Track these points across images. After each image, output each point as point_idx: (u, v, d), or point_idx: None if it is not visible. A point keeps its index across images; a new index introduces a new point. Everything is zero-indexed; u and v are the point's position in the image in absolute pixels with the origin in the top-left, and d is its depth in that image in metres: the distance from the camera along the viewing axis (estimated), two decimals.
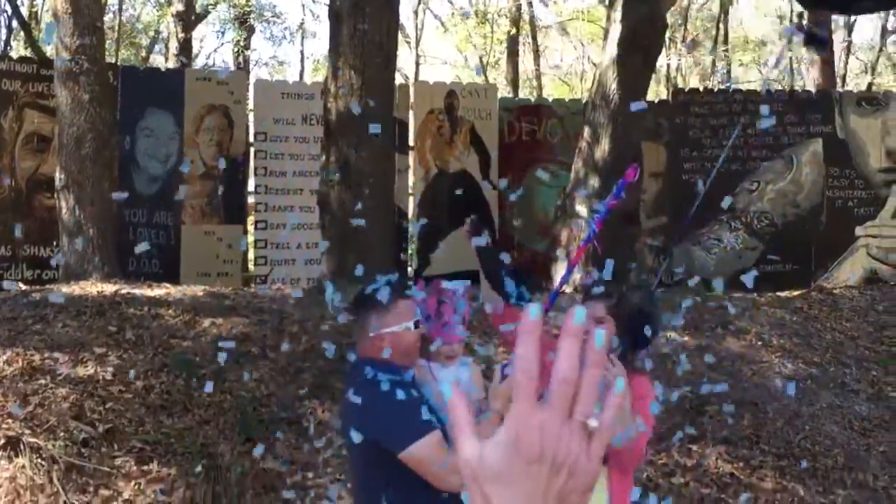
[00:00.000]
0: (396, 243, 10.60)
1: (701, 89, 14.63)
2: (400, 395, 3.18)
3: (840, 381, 8.15)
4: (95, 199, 9.49)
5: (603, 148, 10.16)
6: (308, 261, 11.56)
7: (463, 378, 3.66)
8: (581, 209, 10.20)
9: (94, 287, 8.34)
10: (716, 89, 14.48)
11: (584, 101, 12.70)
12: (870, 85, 27.87)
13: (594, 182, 10.17)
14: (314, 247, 11.11)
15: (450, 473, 3.17)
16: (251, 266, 13.12)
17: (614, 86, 10.12)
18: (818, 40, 3.92)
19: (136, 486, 5.48)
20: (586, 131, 10.45)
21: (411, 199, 12.60)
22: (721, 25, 29.32)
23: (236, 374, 6.72)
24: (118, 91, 11.32)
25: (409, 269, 12.85)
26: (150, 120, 11.54)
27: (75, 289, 8.23)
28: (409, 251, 13.04)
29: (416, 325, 3.41)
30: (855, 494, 6.54)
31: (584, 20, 30.62)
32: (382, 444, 3.18)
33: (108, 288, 8.27)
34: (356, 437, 3.17)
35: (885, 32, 28.35)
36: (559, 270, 10.30)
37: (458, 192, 11.76)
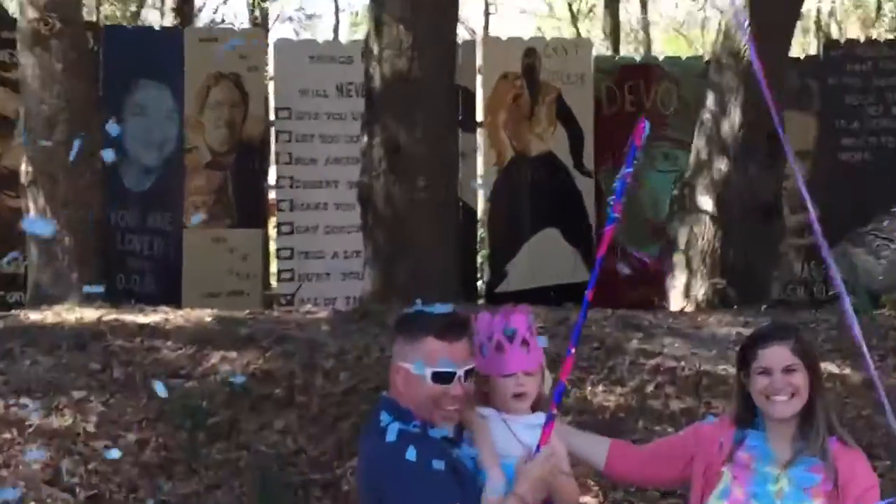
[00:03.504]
0: (462, 250, 10.58)
1: (862, 40, 14.44)
2: (410, 454, 3.23)
3: None
4: (72, 199, 9.57)
5: (732, 120, 10.04)
6: (346, 274, 11.58)
7: (536, 440, 3.45)
8: (705, 202, 10.10)
9: (71, 313, 8.42)
10: (882, 39, 14.28)
11: (706, 60, 12.59)
12: None
13: (721, 165, 10.07)
14: (354, 256, 11.13)
15: None
16: (274, 282, 13.20)
17: (747, 37, 10.00)
18: None
19: None
20: (710, 99, 10.35)
21: (480, 191, 12.58)
22: None
23: (256, 424, 6.75)
24: (100, 58, 11.44)
25: (480, 282, 12.83)
26: (140, 95, 11.66)
27: (48, 315, 8.32)
28: (479, 260, 13.02)
29: (439, 377, 3.36)
30: None
31: None
32: None
33: (91, 313, 8.34)
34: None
35: None
36: (677, 283, 10.21)
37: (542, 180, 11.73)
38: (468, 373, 3.40)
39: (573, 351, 3.64)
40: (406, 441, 3.26)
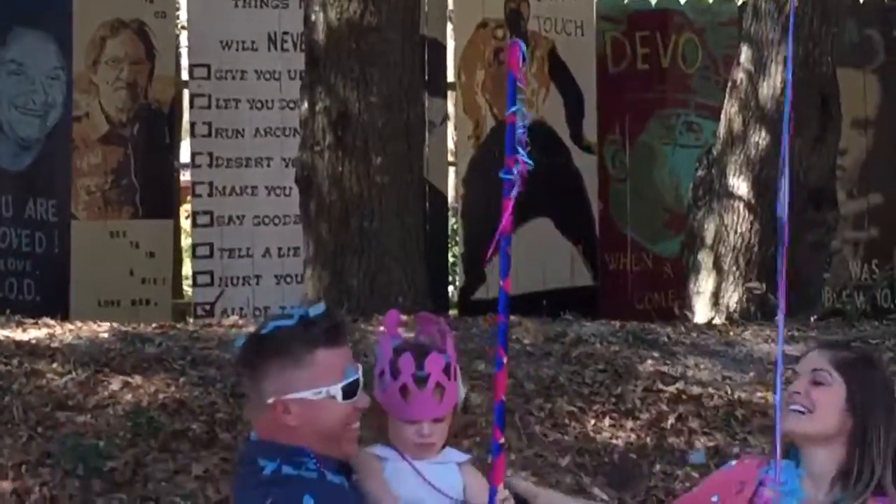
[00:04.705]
0: (429, 246, 10.59)
1: None
2: None
3: None
4: None
5: (773, 81, 10.09)
6: (281, 277, 11.57)
7: (452, 484, 3.49)
8: (738, 185, 10.15)
9: None
10: None
11: (738, 3, 12.65)
12: None
13: (759, 138, 10.11)
14: (291, 254, 11.12)
15: None
16: (188, 287, 13.18)
17: None
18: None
19: None
20: (744, 53, 10.40)
21: (452, 170, 12.60)
22: None
23: (168, 469, 6.75)
24: None
25: (452, 287, 12.85)
26: (16, 48, 11.62)
27: None
28: (452, 259, 13.02)
29: (350, 392, 3.31)
30: None
31: None
32: None
33: None
34: None
35: None
36: (702, 288, 10.25)
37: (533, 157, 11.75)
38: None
39: (505, 361, 3.57)
40: (301, 488, 3.18)
